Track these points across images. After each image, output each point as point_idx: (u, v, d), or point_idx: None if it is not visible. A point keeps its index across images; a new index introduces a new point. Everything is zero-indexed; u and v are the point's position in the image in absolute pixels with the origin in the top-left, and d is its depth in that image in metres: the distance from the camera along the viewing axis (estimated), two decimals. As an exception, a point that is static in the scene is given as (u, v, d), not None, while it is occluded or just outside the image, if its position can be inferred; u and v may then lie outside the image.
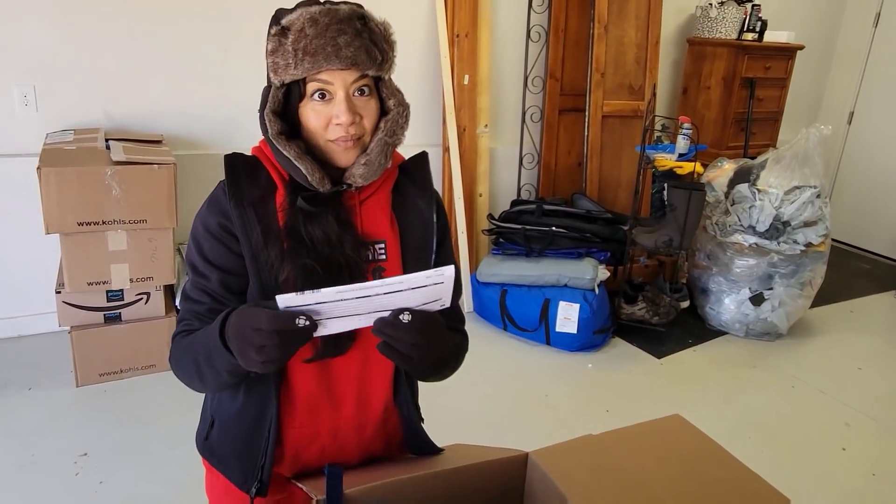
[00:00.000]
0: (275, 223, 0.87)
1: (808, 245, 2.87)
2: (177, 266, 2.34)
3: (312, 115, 0.85)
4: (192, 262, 0.91)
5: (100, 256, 2.15)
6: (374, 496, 0.75)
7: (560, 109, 3.30)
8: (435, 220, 0.96)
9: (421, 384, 1.04)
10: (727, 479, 0.76)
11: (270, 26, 0.86)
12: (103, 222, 2.11)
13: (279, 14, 0.86)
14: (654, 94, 3.02)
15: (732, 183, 3.03)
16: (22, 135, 2.42)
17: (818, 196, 2.84)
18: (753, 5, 3.52)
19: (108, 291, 2.23)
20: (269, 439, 0.90)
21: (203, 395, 1.03)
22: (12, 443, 1.97)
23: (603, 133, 3.18)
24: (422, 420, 1.02)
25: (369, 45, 0.84)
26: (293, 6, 0.86)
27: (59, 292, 2.19)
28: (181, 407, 2.03)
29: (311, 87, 0.84)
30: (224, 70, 2.65)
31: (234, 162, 0.90)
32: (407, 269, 0.92)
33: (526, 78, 3.24)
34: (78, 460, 1.91)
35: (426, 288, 0.73)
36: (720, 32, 3.54)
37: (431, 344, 0.78)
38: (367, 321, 0.75)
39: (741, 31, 3.56)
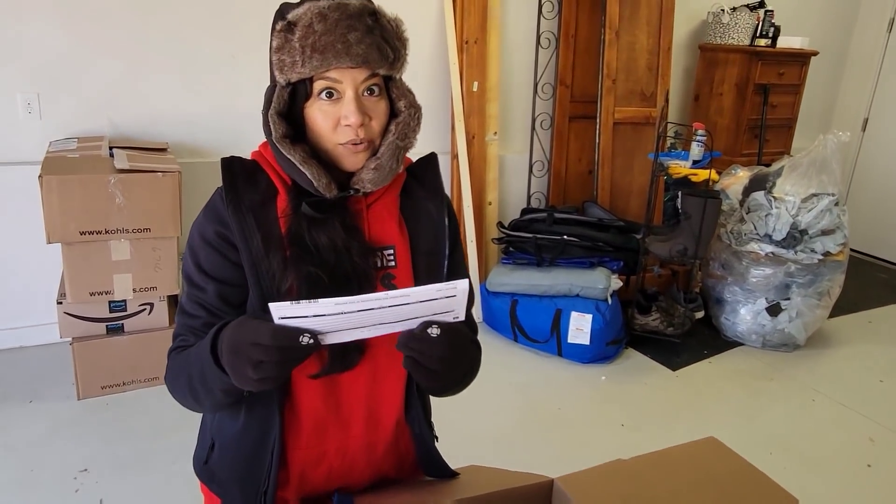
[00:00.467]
0: (276, 230, 0.82)
1: (826, 254, 2.79)
2: (181, 276, 2.29)
3: (319, 115, 0.81)
4: (188, 273, 0.86)
5: (102, 266, 2.10)
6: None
7: (570, 116, 3.25)
8: (447, 223, 0.91)
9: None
10: (768, 507, 0.70)
11: (275, 21, 0.81)
12: (106, 231, 2.06)
13: (284, 9, 0.81)
14: (666, 101, 2.96)
15: (748, 191, 2.96)
16: (25, 143, 2.38)
17: (836, 204, 2.77)
18: (766, 11, 3.46)
19: (110, 302, 2.18)
20: (273, 462, 0.84)
21: (201, 414, 0.97)
22: (11, 457, 1.92)
23: (614, 140, 3.13)
24: (436, 438, 0.96)
25: (381, 43, 0.79)
26: (299, 0, 0.81)
27: (60, 303, 2.14)
28: (185, 421, 1.96)
29: (318, 85, 0.79)
30: (230, 77, 2.62)
31: (232, 166, 0.86)
32: (418, 276, 0.87)
33: (536, 84, 3.19)
34: (78, 476, 1.86)
35: (436, 301, 0.68)
36: (732, 38, 3.49)
37: (459, 358, 0.73)
38: (371, 333, 0.70)
39: (754, 37, 3.50)
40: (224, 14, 2.56)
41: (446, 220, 0.91)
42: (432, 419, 0.99)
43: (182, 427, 2.04)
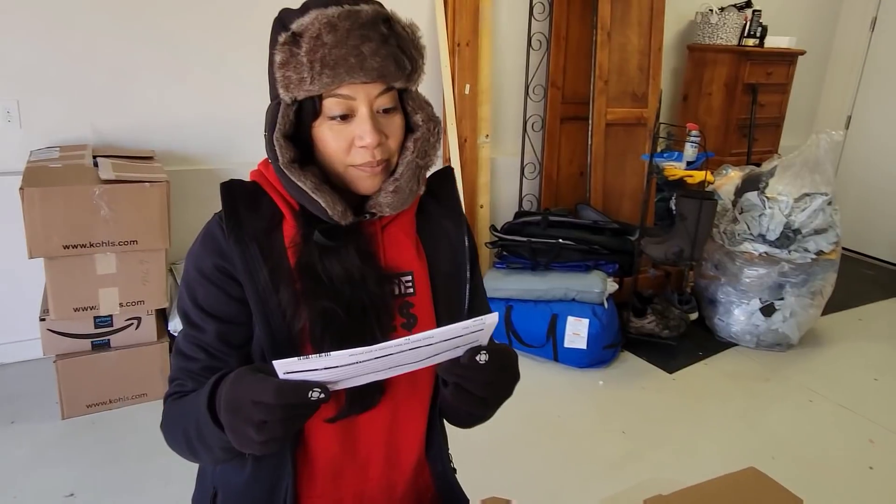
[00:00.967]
0: (285, 261, 0.74)
1: (819, 253, 2.80)
2: (169, 288, 2.22)
3: (331, 136, 0.72)
4: (184, 310, 0.77)
5: (87, 281, 2.02)
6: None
7: (561, 118, 3.22)
8: (466, 243, 0.85)
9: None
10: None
11: (277, 32, 0.71)
12: (91, 244, 1.98)
13: (286, 17, 0.72)
14: (659, 101, 2.95)
15: (740, 191, 2.96)
16: (4, 152, 2.29)
17: (829, 203, 2.78)
18: (754, 11, 3.47)
19: (95, 317, 2.10)
20: None
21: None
22: (-6, 483, 1.84)
23: (607, 141, 3.11)
24: (455, 471, 0.91)
25: (397, 53, 0.72)
26: (300, 6, 0.72)
27: (43, 319, 2.06)
28: (176, 440, 1.90)
29: (329, 103, 0.71)
30: (219, 81, 2.54)
31: (232, 191, 0.76)
32: (438, 303, 0.81)
33: (527, 86, 3.16)
34: (64, 501, 1.78)
35: (462, 337, 0.63)
36: (721, 38, 3.49)
37: (508, 381, 0.69)
38: (388, 374, 0.64)
39: (741, 37, 3.51)
40: (211, 16, 2.48)
41: (466, 239, 0.85)
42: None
43: (174, 446, 1.97)
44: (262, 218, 0.76)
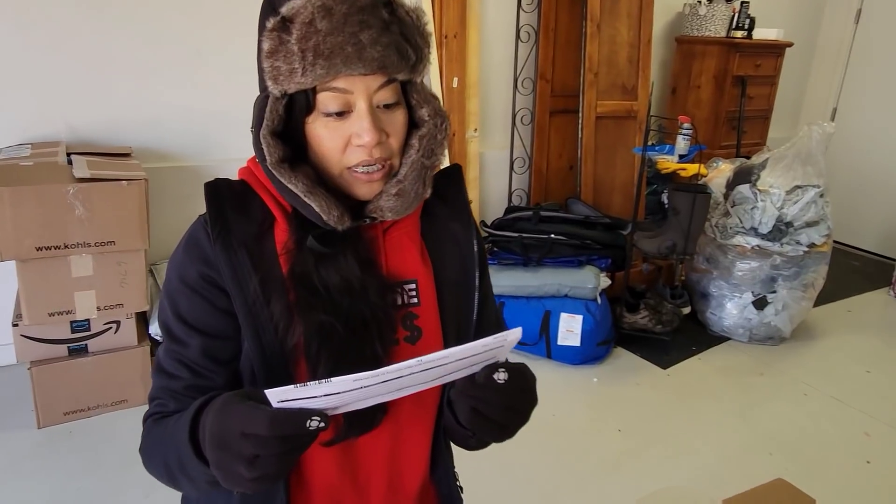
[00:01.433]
0: (276, 269, 0.67)
1: (811, 245, 2.79)
2: (149, 290, 2.13)
3: (325, 133, 0.65)
4: (166, 324, 0.70)
5: (62, 284, 1.93)
6: None
7: (551, 111, 3.17)
8: (475, 248, 0.78)
9: None
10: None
11: (265, 16, 0.64)
12: (66, 246, 1.89)
13: None
14: (650, 94, 2.91)
15: (732, 184, 2.93)
16: (-29, 150, 2.18)
17: (821, 195, 2.77)
18: (742, 2, 3.45)
19: (72, 322, 2.01)
20: None
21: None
22: (-34, 498, 1.75)
23: (597, 135, 3.06)
24: (460, 489, 0.85)
25: (400, 42, 0.64)
26: None
27: (16, 325, 1.96)
28: (159, 448, 1.82)
29: (323, 98, 0.64)
30: (196, 74, 2.45)
31: (218, 191, 0.69)
32: (444, 314, 0.74)
33: (516, 79, 3.10)
34: (42, 515, 1.70)
35: (479, 355, 0.57)
36: (709, 30, 3.46)
37: (527, 405, 0.63)
38: (394, 396, 0.57)
39: (730, 29, 3.49)
40: (187, 8, 2.38)
41: (475, 243, 0.78)
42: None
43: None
44: (252, 221, 0.69)
